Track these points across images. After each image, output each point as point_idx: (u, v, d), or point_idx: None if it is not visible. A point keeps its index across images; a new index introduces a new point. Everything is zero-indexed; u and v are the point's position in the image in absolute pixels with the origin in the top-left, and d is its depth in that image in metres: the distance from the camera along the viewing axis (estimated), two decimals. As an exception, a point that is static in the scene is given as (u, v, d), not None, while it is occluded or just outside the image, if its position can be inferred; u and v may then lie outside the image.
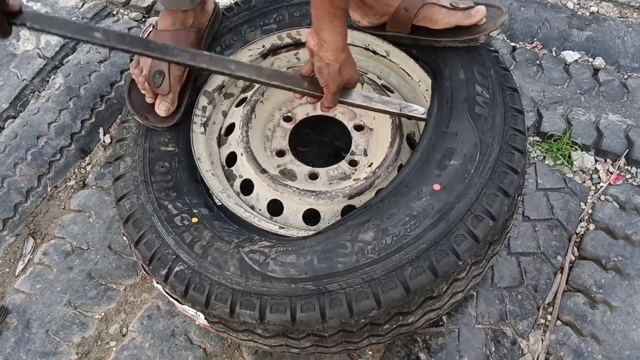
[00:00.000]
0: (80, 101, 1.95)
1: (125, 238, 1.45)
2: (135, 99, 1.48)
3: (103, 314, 1.62)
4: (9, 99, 1.99)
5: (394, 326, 1.29)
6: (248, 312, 1.22)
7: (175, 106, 1.47)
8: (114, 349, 1.57)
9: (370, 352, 1.51)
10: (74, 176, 1.88)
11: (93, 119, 1.95)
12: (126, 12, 2.26)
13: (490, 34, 1.41)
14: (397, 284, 1.20)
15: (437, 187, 1.27)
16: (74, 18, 2.17)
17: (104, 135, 1.95)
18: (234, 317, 1.23)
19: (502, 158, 1.32)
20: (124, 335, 1.59)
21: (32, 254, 1.74)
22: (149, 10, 2.26)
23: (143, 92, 1.46)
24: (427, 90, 1.52)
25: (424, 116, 1.39)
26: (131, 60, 1.65)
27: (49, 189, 1.85)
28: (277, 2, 1.67)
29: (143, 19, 2.24)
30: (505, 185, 1.29)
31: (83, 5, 2.23)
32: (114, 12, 2.25)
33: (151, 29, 1.53)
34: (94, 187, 1.83)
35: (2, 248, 1.76)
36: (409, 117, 1.42)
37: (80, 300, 1.64)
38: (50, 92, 1.97)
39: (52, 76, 2.04)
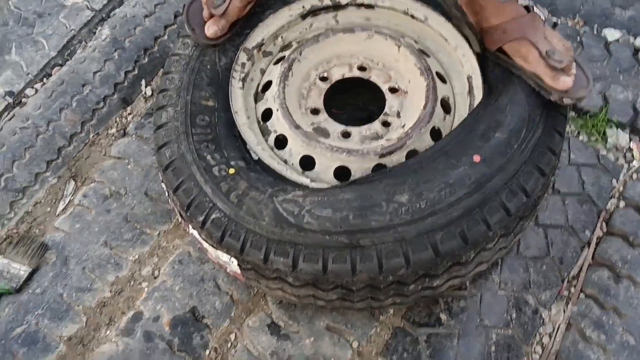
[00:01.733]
0: (124, 53, 1.96)
1: (163, 185, 1.46)
2: (193, 11, 1.53)
3: (137, 256, 1.64)
4: (57, 47, 2.00)
5: (419, 288, 1.30)
6: (282, 259, 1.23)
7: (222, 33, 1.50)
8: (146, 289, 1.59)
9: (391, 311, 1.51)
10: (115, 124, 1.90)
11: (136, 71, 1.95)
12: (174, -30, 2.25)
13: (563, 99, 1.33)
14: (427, 247, 1.21)
15: (477, 158, 1.27)
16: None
17: (146, 88, 1.96)
18: (267, 264, 1.24)
19: (543, 138, 1.32)
20: (155, 278, 1.61)
21: (72, 196, 1.76)
22: (195, -32, 2.24)
23: (203, 7, 1.50)
24: (463, 55, 1.51)
25: None
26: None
27: (91, 135, 1.86)
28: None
29: (189, -24, 2.22)
30: (542, 165, 1.29)
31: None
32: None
33: None
34: (133, 136, 1.85)
35: (44, 188, 1.78)
36: None
37: (115, 242, 1.66)
38: (97, 43, 1.98)
39: (99, 28, 2.04)
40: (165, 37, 2.02)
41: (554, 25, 1.99)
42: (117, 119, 1.91)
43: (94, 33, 2.04)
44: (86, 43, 2.02)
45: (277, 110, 1.46)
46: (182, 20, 2.04)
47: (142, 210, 1.71)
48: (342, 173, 1.40)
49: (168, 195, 1.43)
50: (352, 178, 1.39)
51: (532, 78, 1.36)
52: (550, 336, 1.48)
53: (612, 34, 1.97)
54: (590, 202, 1.64)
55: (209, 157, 1.36)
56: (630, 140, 1.77)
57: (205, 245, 1.36)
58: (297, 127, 1.43)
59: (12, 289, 1.60)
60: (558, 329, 1.49)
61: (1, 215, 1.72)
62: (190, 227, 1.38)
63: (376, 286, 1.26)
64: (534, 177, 1.28)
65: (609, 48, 1.94)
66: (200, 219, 1.30)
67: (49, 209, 1.76)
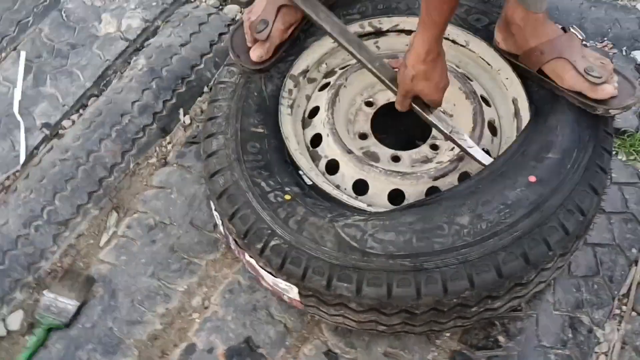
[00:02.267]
0: (162, 82, 1.96)
1: (215, 213, 1.46)
2: (237, 39, 1.56)
3: (186, 287, 1.63)
4: (92, 78, 2.00)
5: (481, 309, 1.30)
6: (345, 285, 1.22)
7: (268, 56, 1.52)
8: (197, 320, 1.57)
9: (447, 334, 1.50)
10: (155, 154, 1.89)
11: (174, 100, 1.95)
12: (204, 0, 2.26)
13: (610, 111, 1.35)
14: (491, 268, 1.21)
15: (532, 179, 1.28)
16: (154, 3, 2.18)
17: (184, 116, 1.96)
18: (330, 290, 1.24)
19: (594, 157, 1.33)
20: (206, 308, 1.59)
21: (116, 227, 1.75)
22: (226, -1, 2.27)
23: (246, 35, 1.53)
24: (507, 78, 1.52)
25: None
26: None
27: (131, 165, 1.86)
28: (360, -7, 1.68)
29: (221, 7, 2.24)
30: (595, 184, 1.31)
31: (161, -8, 2.25)
32: (192, 0, 2.26)
33: None
34: (174, 165, 1.84)
35: (87, 220, 1.77)
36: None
37: (163, 273, 1.65)
38: (133, 73, 1.98)
39: (135, 58, 2.05)
40: (202, 65, 2.02)
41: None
42: (157, 149, 1.90)
43: (129, 63, 2.05)
44: (122, 73, 2.02)
45: (328, 135, 1.47)
46: (218, 49, 2.06)
47: (188, 239, 1.70)
48: (395, 196, 1.41)
49: (222, 223, 1.43)
50: (406, 201, 1.40)
51: (574, 96, 1.37)
52: (606, 355, 1.47)
53: (641, 56, 1.99)
54: (635, 221, 1.63)
55: (263, 183, 1.36)
56: (670, 156, 1.78)
57: (262, 272, 1.36)
58: (349, 151, 1.43)
59: (62, 323, 1.58)
60: (614, 348, 1.47)
61: (44, 249, 1.70)
62: (246, 255, 1.37)
63: (440, 309, 1.26)
64: (589, 196, 1.30)
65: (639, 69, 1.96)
66: (259, 246, 1.29)
67: (92, 241, 1.75)
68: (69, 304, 1.60)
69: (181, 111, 1.96)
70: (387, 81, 1.40)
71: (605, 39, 2.06)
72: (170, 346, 1.55)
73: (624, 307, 1.53)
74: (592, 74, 1.33)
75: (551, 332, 1.48)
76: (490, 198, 1.27)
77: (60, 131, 1.93)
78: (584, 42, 1.41)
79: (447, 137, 1.41)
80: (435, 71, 1.31)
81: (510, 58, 1.49)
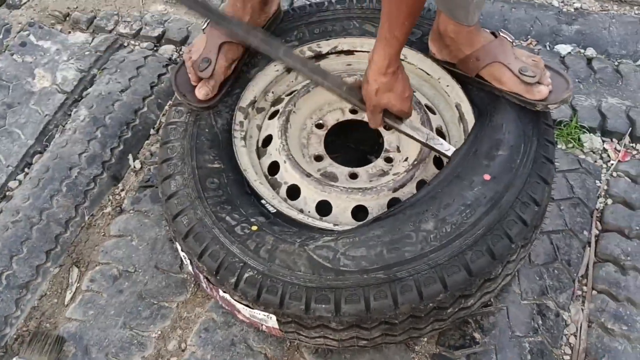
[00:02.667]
0: (107, 130, 1.94)
1: (182, 254, 1.45)
2: (180, 79, 1.56)
3: (159, 332, 1.60)
4: (34, 135, 1.97)
5: (456, 309, 1.33)
6: (323, 306, 1.24)
7: (214, 93, 1.53)
8: (176, 364, 1.56)
9: (425, 339, 1.53)
10: (109, 203, 1.86)
11: (121, 146, 1.93)
12: (137, 43, 2.25)
13: (549, 106, 1.42)
14: (460, 268, 1.25)
15: (487, 177, 1.33)
16: (87, 53, 2.16)
17: (134, 161, 1.94)
18: (309, 313, 1.25)
19: (539, 150, 1.39)
20: (183, 351, 1.57)
21: (79, 282, 1.71)
22: (159, 39, 2.26)
23: (189, 74, 1.53)
24: (447, 85, 1.58)
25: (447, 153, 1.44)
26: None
27: (86, 218, 1.82)
28: (297, 20, 1.71)
29: (155, 48, 2.24)
30: (544, 174, 1.37)
31: (93, 40, 2.22)
32: (125, 44, 2.24)
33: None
34: (131, 211, 1.82)
35: (48, 280, 1.72)
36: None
37: (135, 321, 1.62)
38: (76, 124, 1.96)
39: (75, 109, 2.02)
40: (145, 108, 2.02)
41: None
42: (111, 197, 1.88)
43: (70, 115, 2.02)
44: (64, 126, 1.99)
45: (285, 162, 1.49)
46: (159, 90, 2.05)
47: (155, 284, 1.67)
48: (359, 212, 1.44)
49: (191, 263, 1.42)
50: (369, 215, 1.43)
51: (513, 97, 1.44)
52: (575, 336, 1.53)
53: (564, 49, 2.10)
54: (582, 204, 1.72)
55: (228, 218, 1.37)
56: (603, 142, 1.88)
57: (239, 306, 1.36)
58: (308, 175, 1.46)
59: (36, 388, 1.53)
60: (581, 328, 1.53)
61: (8, 315, 1.64)
62: (220, 291, 1.37)
63: (417, 315, 1.28)
64: (540, 187, 1.36)
65: (565, 61, 2.06)
66: (233, 280, 1.29)
67: (56, 300, 1.70)
68: (41, 367, 1.56)
69: (130, 157, 1.94)
70: (357, 102, 1.43)
71: (529, 37, 2.16)
72: (152, 395, 1.53)
73: (584, 288, 1.60)
74: (526, 74, 1.40)
75: (522, 322, 1.53)
76: (451, 201, 1.32)
77: (8, 193, 1.88)
78: (514, 44, 1.48)
79: (425, 145, 1.44)
80: (398, 82, 1.34)
81: (448, 67, 1.56)
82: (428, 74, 1.62)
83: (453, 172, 1.37)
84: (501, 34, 1.48)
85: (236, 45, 1.55)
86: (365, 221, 1.37)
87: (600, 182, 1.79)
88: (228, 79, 1.58)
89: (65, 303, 1.69)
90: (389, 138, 1.59)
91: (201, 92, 1.52)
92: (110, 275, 1.70)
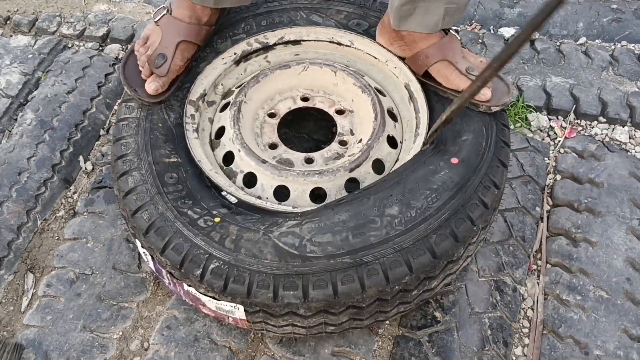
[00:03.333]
0: (55, 133, 1.88)
1: (142, 250, 1.41)
2: (130, 72, 1.53)
3: (121, 333, 1.56)
4: (-22, 141, 1.89)
5: (421, 291, 1.35)
6: (292, 292, 1.23)
7: (164, 89, 1.51)
8: (140, 364, 1.52)
9: (387, 322, 1.54)
10: (62, 206, 1.81)
11: (71, 149, 1.88)
12: (82, 44, 2.19)
13: (491, 108, 1.43)
14: (425, 251, 1.27)
15: (455, 160, 1.35)
16: (30, 55, 2.09)
17: (85, 163, 1.89)
18: (277, 301, 1.24)
19: (498, 134, 1.43)
20: (146, 350, 1.54)
21: (34, 288, 1.66)
22: (104, 39, 2.20)
23: (141, 68, 1.50)
24: (395, 67, 1.59)
25: None
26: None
27: (39, 223, 1.76)
28: (244, 12, 1.70)
29: (100, 48, 2.19)
30: (503, 158, 1.41)
31: (36, 42, 2.15)
32: (69, 45, 2.18)
33: (165, 12, 1.53)
34: (84, 213, 1.77)
35: (2, 287, 1.66)
36: None
37: (95, 324, 1.57)
38: (23, 129, 1.89)
39: (21, 113, 1.95)
40: (94, 109, 1.96)
41: (456, 31, 2.14)
42: (63, 200, 1.82)
43: (16, 120, 1.95)
44: (10, 131, 1.92)
45: (239, 151, 1.47)
46: (107, 90, 2.01)
47: (114, 285, 1.63)
48: (317, 195, 1.44)
49: (152, 258, 1.39)
50: (328, 198, 1.43)
51: (455, 94, 1.45)
52: (532, 309, 1.57)
53: (507, 31, 2.15)
54: (533, 182, 1.76)
55: (189, 212, 1.35)
56: (549, 120, 1.93)
57: (204, 299, 1.34)
58: (264, 161, 1.44)
59: (-4, 398, 1.48)
60: (537, 301, 1.57)
61: (-39, 326, 1.59)
62: (184, 285, 1.34)
63: (384, 298, 1.29)
64: (499, 170, 1.39)
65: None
66: (198, 272, 1.27)
67: (12, 307, 1.64)
68: (0, 377, 1.51)
69: (81, 158, 1.89)
70: None
71: (473, 21, 2.20)
72: (118, 396, 1.49)
73: (539, 262, 1.64)
74: (473, 73, 1.42)
75: (481, 299, 1.56)
76: (416, 185, 1.33)
77: (-46, 202, 1.81)
78: (461, 43, 1.50)
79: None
80: None
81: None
82: (376, 57, 1.63)
83: (420, 159, 1.39)
84: (451, 31, 1.50)
85: (192, 44, 1.53)
86: (329, 202, 1.37)
87: (549, 159, 1.84)
88: (180, 76, 1.55)
89: (22, 310, 1.63)
90: (342, 122, 1.59)
91: (151, 87, 1.48)
92: (67, 279, 1.65)
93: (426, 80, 1.51)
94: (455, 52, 1.46)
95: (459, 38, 1.50)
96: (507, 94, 1.45)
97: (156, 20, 1.53)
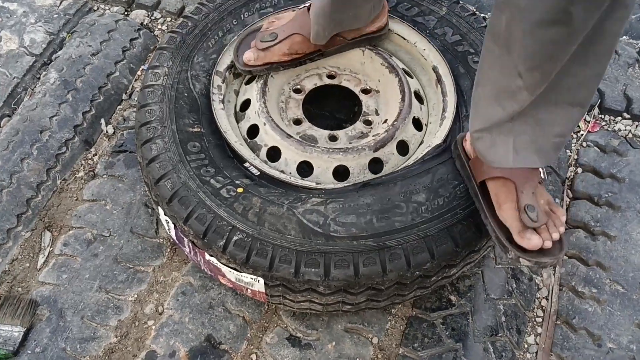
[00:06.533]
0: (78, 94, 1.82)
1: (164, 218, 1.37)
2: (246, 41, 1.53)
3: (136, 296, 1.53)
4: (1, 98, 1.82)
5: (439, 278, 1.31)
6: (313, 270, 1.19)
7: (256, 63, 1.48)
8: (153, 327, 1.48)
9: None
10: (82, 167, 1.76)
11: (93, 111, 1.82)
12: (107, 7, 2.11)
13: (520, 258, 1.17)
14: (449, 240, 1.23)
15: None
16: (55, 15, 2.02)
17: (107, 126, 1.83)
18: (298, 277, 1.20)
19: None
20: (160, 314, 1.50)
21: (51, 247, 1.61)
22: (130, 4, 2.12)
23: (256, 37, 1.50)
24: (424, 49, 1.55)
25: None
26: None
27: (58, 182, 1.72)
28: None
29: (125, 12, 2.12)
30: None
31: (61, 3, 2.08)
32: (95, 8, 2.11)
33: (308, 4, 1.47)
34: (104, 176, 1.72)
35: (19, 244, 1.62)
36: None
37: (111, 285, 1.54)
38: (46, 88, 1.83)
39: (44, 72, 1.89)
40: (117, 73, 1.90)
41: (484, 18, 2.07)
42: (83, 162, 1.77)
43: (39, 78, 1.89)
44: (33, 90, 1.86)
45: (265, 124, 1.42)
46: (131, 54, 1.95)
47: (131, 248, 1.59)
48: (340, 172, 1.40)
49: (175, 226, 1.35)
50: (350, 176, 1.39)
51: (496, 228, 1.19)
52: (547, 299, 1.53)
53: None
54: (554, 173, 1.70)
55: (212, 180, 1.30)
56: (573, 113, 1.87)
57: (225, 269, 1.29)
58: (289, 136, 1.40)
59: (9, 352, 1.43)
60: (552, 291, 1.53)
61: (-23, 279, 1.55)
62: (206, 254, 1.30)
63: (403, 282, 1.26)
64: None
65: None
66: (221, 243, 1.23)
67: (28, 264, 1.60)
68: (14, 331, 1.46)
69: (103, 121, 1.83)
70: None
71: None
72: (129, 357, 1.45)
73: (556, 253, 1.60)
74: (529, 212, 1.14)
75: (497, 285, 1.51)
76: (445, 177, 1.30)
77: (-24, 156, 1.76)
78: (543, 181, 1.25)
79: None
80: None
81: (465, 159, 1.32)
82: (405, 38, 1.57)
83: (445, 149, 1.35)
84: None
85: (307, 41, 1.46)
86: (351, 183, 1.32)
87: (571, 152, 1.78)
88: (281, 63, 1.50)
89: (38, 267, 1.59)
90: (368, 101, 1.54)
91: (246, 55, 1.48)
92: (84, 239, 1.61)
93: (479, 194, 1.24)
94: (527, 181, 1.17)
95: (543, 176, 1.26)
96: (553, 256, 1.16)
97: (299, 8, 1.51)
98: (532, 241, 1.13)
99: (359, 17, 1.45)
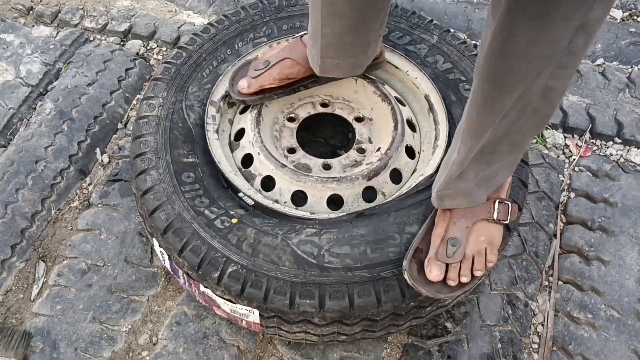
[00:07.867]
0: (73, 123, 1.81)
1: (159, 249, 1.35)
2: (243, 69, 1.53)
3: (130, 326, 1.50)
4: (-4, 128, 1.82)
5: (435, 308, 1.30)
6: (308, 301, 1.17)
7: (249, 91, 1.46)
8: (148, 358, 1.45)
9: (398, 331, 1.48)
10: (76, 197, 1.74)
11: (89, 140, 1.80)
12: (103, 38, 2.12)
13: (422, 289, 1.17)
14: None
15: None
16: (52, 46, 2.02)
17: (102, 155, 1.82)
18: (293, 308, 1.18)
19: None
20: (154, 344, 1.48)
21: (45, 277, 1.59)
22: (126, 34, 2.13)
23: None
24: (416, 78, 1.54)
25: None
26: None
27: (53, 212, 1.70)
28: (265, 15, 1.64)
29: (121, 42, 2.12)
30: (523, 178, 1.36)
31: (58, 34, 2.08)
32: (91, 38, 2.11)
33: (301, 34, 1.48)
34: (99, 205, 1.70)
35: (13, 275, 1.59)
36: None
37: (104, 315, 1.51)
38: (42, 118, 1.82)
39: (40, 102, 1.88)
40: (113, 102, 1.89)
41: (475, 46, 2.07)
42: (78, 191, 1.75)
43: (34, 109, 1.88)
44: (28, 120, 1.85)
45: (259, 154, 1.41)
46: (127, 84, 1.94)
47: (125, 278, 1.57)
48: (334, 200, 1.38)
49: (169, 258, 1.33)
50: (345, 205, 1.37)
51: (417, 242, 1.22)
52: (543, 325, 1.51)
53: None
54: (547, 198, 1.69)
55: (206, 211, 1.28)
56: (565, 138, 1.86)
57: (219, 301, 1.27)
58: (283, 165, 1.38)
59: (3, 385, 1.41)
60: (548, 317, 1.51)
61: (-29, 310, 1.52)
62: (200, 286, 1.28)
63: (399, 313, 1.24)
64: (522, 191, 1.34)
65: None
66: (216, 275, 1.21)
67: (22, 295, 1.57)
68: (8, 364, 1.44)
69: (98, 150, 1.82)
70: None
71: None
72: (124, 390, 1.43)
73: (551, 278, 1.58)
74: (450, 245, 1.18)
75: (493, 311, 1.49)
76: None
77: (-30, 186, 1.74)
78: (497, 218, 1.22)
79: None
80: None
81: None
82: (396, 67, 1.57)
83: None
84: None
85: (297, 65, 1.43)
86: (345, 213, 1.31)
87: (564, 177, 1.77)
88: (274, 90, 1.47)
89: (32, 298, 1.56)
90: (361, 129, 1.53)
91: (239, 83, 1.47)
92: (79, 269, 1.59)
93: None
94: (465, 214, 1.20)
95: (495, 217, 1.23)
96: (447, 292, 1.18)
97: (293, 37, 1.51)
98: (432, 273, 1.17)
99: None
